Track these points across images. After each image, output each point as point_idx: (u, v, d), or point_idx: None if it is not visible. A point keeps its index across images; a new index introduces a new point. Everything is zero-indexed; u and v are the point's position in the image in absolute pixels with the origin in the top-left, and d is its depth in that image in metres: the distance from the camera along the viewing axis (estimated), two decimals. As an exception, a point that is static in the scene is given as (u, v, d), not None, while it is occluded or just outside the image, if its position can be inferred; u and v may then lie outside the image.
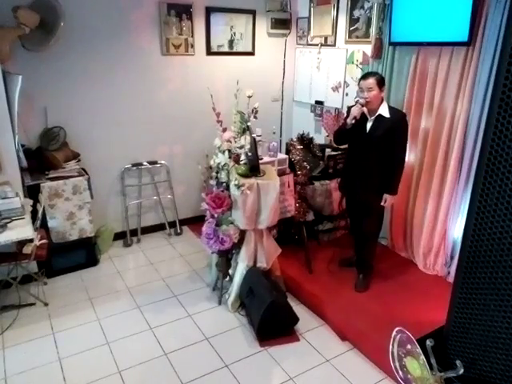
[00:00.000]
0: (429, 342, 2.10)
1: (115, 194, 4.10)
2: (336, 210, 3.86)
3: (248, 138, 2.99)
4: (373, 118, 2.91)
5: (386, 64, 3.52)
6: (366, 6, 3.71)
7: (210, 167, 3.21)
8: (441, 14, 2.97)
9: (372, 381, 2.55)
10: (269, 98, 4.69)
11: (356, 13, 3.84)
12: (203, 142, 3.77)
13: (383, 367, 2.58)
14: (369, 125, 2.94)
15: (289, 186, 3.46)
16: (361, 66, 3.88)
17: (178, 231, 4.41)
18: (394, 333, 2.20)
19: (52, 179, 3.37)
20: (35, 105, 3.48)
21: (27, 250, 2.98)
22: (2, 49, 2.99)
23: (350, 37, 3.97)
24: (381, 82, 2.85)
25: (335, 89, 4.24)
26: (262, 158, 3.34)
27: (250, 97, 2.96)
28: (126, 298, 3.31)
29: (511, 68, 1.75)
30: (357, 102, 2.88)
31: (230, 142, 3.06)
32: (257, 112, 3.01)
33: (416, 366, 2.09)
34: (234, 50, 4.32)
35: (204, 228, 3.15)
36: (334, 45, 4.17)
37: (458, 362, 2.13)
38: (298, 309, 3.13)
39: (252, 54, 4.45)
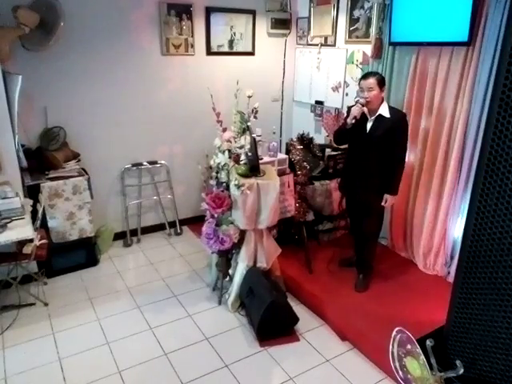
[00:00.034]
0: (429, 342, 2.10)
1: (115, 194, 4.10)
2: (336, 210, 3.86)
3: (248, 138, 2.99)
4: (373, 118, 2.91)
5: (385, 64, 3.52)
6: (366, 6, 3.71)
7: (210, 167, 3.21)
8: (441, 14, 2.97)
9: (372, 381, 2.55)
10: (269, 98, 4.69)
11: (356, 13, 3.84)
12: (203, 142, 3.77)
13: (383, 367, 2.58)
14: (369, 125, 2.94)
15: (289, 186, 3.46)
16: (361, 66, 3.88)
17: (178, 231, 4.41)
18: (394, 333, 2.20)
19: (52, 179, 3.37)
20: (35, 105, 3.48)
21: (27, 250, 2.98)
22: (2, 49, 2.99)
23: (350, 37, 3.97)
24: (381, 82, 2.85)
25: (335, 89, 4.24)
26: (261, 158, 3.34)
27: (249, 97, 2.96)
28: (125, 298, 3.31)
29: (511, 68, 1.75)
30: (357, 102, 2.88)
31: (230, 141, 3.06)
32: (257, 112, 3.01)
33: (416, 365, 2.09)
34: (234, 50, 4.32)
35: (204, 228, 3.15)
36: (334, 45, 4.17)
37: (458, 362, 2.13)
38: (298, 309, 3.13)
39: (252, 54, 4.45)
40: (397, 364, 2.13)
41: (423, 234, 3.48)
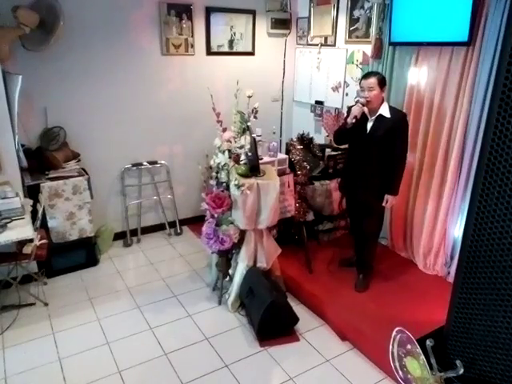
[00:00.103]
0: (429, 342, 2.10)
1: (115, 194, 4.10)
2: (336, 210, 3.86)
3: (248, 138, 2.99)
4: (373, 117, 2.91)
5: (385, 64, 3.52)
6: (366, 5, 3.71)
7: (210, 167, 3.21)
8: (441, 14, 2.97)
9: (372, 381, 2.55)
10: (269, 98, 4.69)
11: (356, 13, 3.84)
12: (203, 142, 3.77)
13: (383, 367, 2.58)
14: (369, 125, 2.94)
15: (289, 186, 3.46)
16: (361, 66, 3.88)
17: (178, 231, 4.40)
18: (394, 333, 2.20)
19: (52, 179, 3.37)
20: (35, 105, 3.48)
21: (27, 250, 2.98)
22: (2, 49, 2.99)
23: (349, 37, 3.97)
24: (382, 82, 2.85)
25: (335, 89, 4.24)
26: (261, 158, 3.34)
27: (249, 97, 2.96)
28: (126, 298, 3.31)
29: (511, 68, 1.75)
30: (357, 102, 2.88)
31: (230, 141, 3.06)
32: (257, 112, 3.01)
33: (416, 365, 2.10)
34: (234, 50, 4.32)
35: (204, 228, 3.15)
36: (334, 45, 4.17)
37: (458, 362, 2.13)
38: (298, 309, 3.13)
39: (252, 54, 4.45)
40: (397, 364, 2.13)
41: (423, 234, 3.48)
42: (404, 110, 3.29)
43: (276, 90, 4.76)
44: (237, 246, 3.14)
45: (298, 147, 3.60)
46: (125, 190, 4.10)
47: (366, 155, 2.98)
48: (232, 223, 3.05)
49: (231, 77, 3.74)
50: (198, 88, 4.13)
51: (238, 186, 2.88)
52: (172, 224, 4.40)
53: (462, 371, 2.10)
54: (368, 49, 3.69)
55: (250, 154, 2.98)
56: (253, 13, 4.30)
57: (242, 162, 3.06)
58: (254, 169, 3.00)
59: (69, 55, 3.50)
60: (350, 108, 2.97)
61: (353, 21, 3.89)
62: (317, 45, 4.36)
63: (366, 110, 2.89)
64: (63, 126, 3.58)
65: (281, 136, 4.88)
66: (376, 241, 3.36)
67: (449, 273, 3.35)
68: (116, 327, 2.95)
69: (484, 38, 2.82)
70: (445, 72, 3.12)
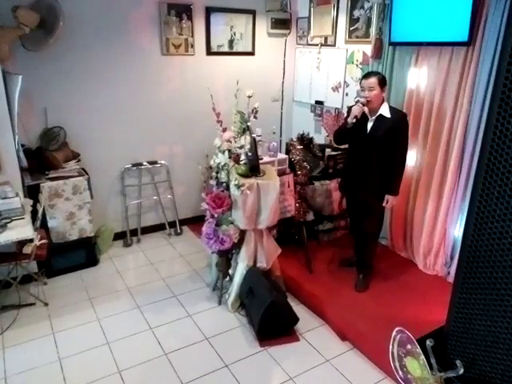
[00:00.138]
0: (429, 342, 2.10)
1: (115, 193, 4.10)
2: (336, 210, 3.86)
3: (248, 138, 2.99)
4: (373, 117, 2.91)
5: (386, 64, 3.51)
6: (366, 5, 3.71)
7: (210, 167, 3.21)
8: (441, 14, 2.97)
9: (372, 381, 2.55)
10: (269, 98, 4.69)
11: (356, 13, 3.84)
12: (203, 142, 3.77)
13: (383, 367, 2.58)
14: (369, 125, 2.94)
15: (289, 186, 3.46)
16: (361, 66, 3.88)
17: (178, 231, 4.40)
18: (394, 333, 2.20)
19: (52, 179, 3.37)
20: (35, 105, 3.48)
21: (27, 250, 2.98)
22: (2, 49, 2.99)
23: (350, 37, 3.97)
24: (382, 82, 2.85)
25: (335, 89, 4.24)
26: (261, 158, 3.34)
27: (249, 97, 2.96)
28: (126, 298, 3.31)
29: (511, 68, 1.75)
30: (357, 102, 2.88)
31: (230, 141, 3.06)
32: (257, 112, 3.01)
33: (416, 365, 2.10)
34: (234, 49, 4.32)
35: (204, 228, 3.15)
36: (334, 45, 4.17)
37: (458, 362, 2.13)
38: (298, 309, 3.13)
39: (252, 54, 4.45)
40: (397, 364, 2.13)
41: (423, 234, 3.48)
42: (404, 110, 3.29)
43: (276, 90, 4.75)
44: (237, 246, 3.14)
45: (298, 147, 3.60)
46: (125, 190, 4.10)
47: (366, 155, 2.97)
48: (232, 223, 3.05)
49: (231, 77, 3.74)
50: (198, 88, 4.13)
51: (238, 186, 2.88)
52: (172, 224, 4.40)
53: (461, 371, 2.10)
54: (368, 49, 3.69)
55: (249, 153, 2.98)
56: (253, 13, 4.30)
57: (242, 162, 3.06)
58: (253, 169, 3.00)
59: (69, 55, 3.50)
60: (350, 108, 2.97)
61: (353, 21, 3.89)
62: (317, 45, 4.36)
63: (366, 109, 2.89)
64: (63, 126, 3.58)
65: (281, 136, 4.88)
66: (376, 241, 3.36)
67: (449, 273, 3.35)
68: (116, 327, 2.95)
69: (484, 38, 2.82)
70: (445, 72, 3.12)
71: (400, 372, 2.12)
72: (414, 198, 3.54)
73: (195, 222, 4.39)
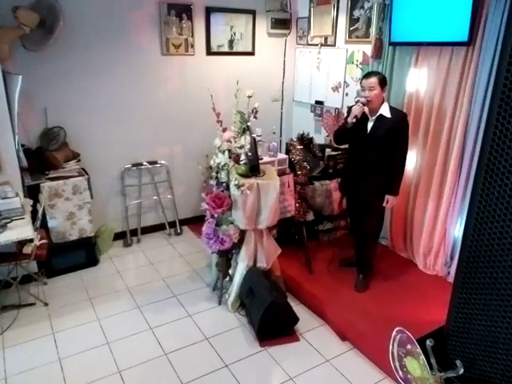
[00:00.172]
0: (429, 342, 2.10)
1: (115, 193, 4.10)
2: (336, 210, 3.86)
3: (248, 137, 2.99)
4: (374, 117, 2.91)
5: (386, 64, 3.51)
6: (366, 5, 3.71)
7: (210, 167, 3.21)
8: (441, 14, 2.97)
9: (372, 381, 2.55)
10: (269, 98, 4.69)
11: (356, 13, 3.84)
12: (203, 142, 3.77)
13: (383, 367, 2.58)
14: (370, 125, 2.94)
15: (289, 186, 3.46)
16: (361, 66, 3.88)
17: (178, 231, 4.40)
18: (394, 333, 2.20)
19: (52, 179, 3.37)
20: (35, 105, 3.48)
21: (27, 250, 2.98)
22: (2, 49, 2.99)
23: (349, 37, 3.97)
24: (383, 82, 2.85)
25: (335, 89, 4.24)
26: (261, 158, 3.34)
27: (249, 97, 2.96)
28: (126, 297, 3.31)
29: (511, 68, 1.75)
30: (357, 102, 2.88)
31: (230, 141, 3.06)
32: (257, 112, 3.01)
33: (416, 365, 2.10)
34: (234, 49, 4.32)
35: (204, 228, 3.15)
36: (334, 45, 4.17)
37: (458, 362, 2.13)
38: (298, 309, 3.13)
39: (252, 54, 4.45)
40: (397, 364, 2.13)
41: (423, 234, 3.48)
42: (404, 110, 3.29)
43: (276, 90, 4.75)
44: (237, 246, 3.14)
45: (298, 147, 3.60)
46: (125, 190, 4.10)
47: (367, 155, 2.97)
48: (232, 223, 3.05)
49: (231, 77, 3.74)
50: (197, 88, 4.13)
51: (238, 186, 2.88)
52: (172, 224, 4.40)
53: (462, 371, 2.10)
54: (368, 49, 3.69)
55: (250, 153, 2.98)
56: (253, 13, 4.30)
57: (242, 162, 3.06)
58: (253, 169, 3.00)
59: (69, 55, 3.50)
60: (350, 108, 2.97)
61: (353, 21, 3.89)
62: (317, 45, 4.36)
63: (366, 109, 2.89)
64: (63, 126, 3.58)
65: (281, 136, 4.88)
66: (376, 241, 3.36)
67: (449, 273, 3.35)
68: (116, 327, 2.95)
69: (484, 38, 2.82)
70: (445, 72, 3.12)
71: (400, 372, 2.12)
72: (414, 198, 3.54)
73: (195, 222, 4.39)
